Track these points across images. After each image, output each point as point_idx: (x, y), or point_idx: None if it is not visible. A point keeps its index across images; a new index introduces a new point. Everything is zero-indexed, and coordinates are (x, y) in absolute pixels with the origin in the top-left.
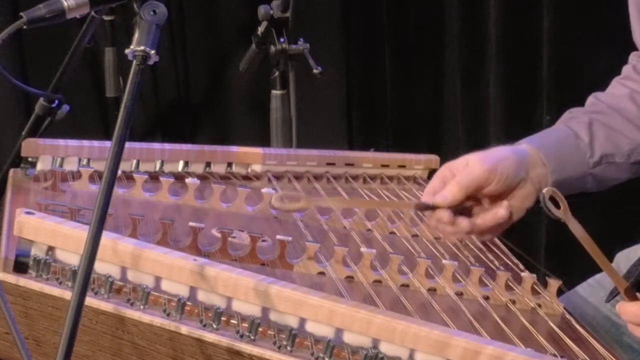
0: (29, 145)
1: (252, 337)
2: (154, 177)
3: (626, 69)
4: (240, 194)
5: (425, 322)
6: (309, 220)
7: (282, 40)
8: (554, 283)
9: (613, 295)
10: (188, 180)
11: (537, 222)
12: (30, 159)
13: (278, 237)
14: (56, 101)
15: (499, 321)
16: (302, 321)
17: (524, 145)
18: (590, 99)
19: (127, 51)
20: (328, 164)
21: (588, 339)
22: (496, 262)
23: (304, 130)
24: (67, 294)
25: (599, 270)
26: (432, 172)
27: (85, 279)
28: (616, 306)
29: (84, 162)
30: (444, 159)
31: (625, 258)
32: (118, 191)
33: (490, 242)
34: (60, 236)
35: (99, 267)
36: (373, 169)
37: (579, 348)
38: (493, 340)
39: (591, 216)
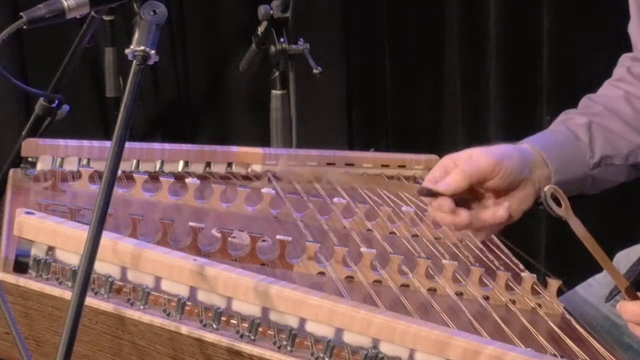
0: (29, 145)
1: (252, 337)
2: (154, 177)
3: (619, 72)
4: (240, 194)
5: (425, 322)
6: (309, 220)
7: (282, 40)
8: (554, 283)
9: (613, 295)
10: (188, 180)
11: (537, 222)
12: (30, 159)
13: (278, 237)
14: (56, 101)
15: (499, 321)
16: (302, 321)
17: (526, 145)
18: (584, 101)
19: (127, 51)
20: (328, 164)
21: (588, 339)
22: (496, 262)
23: (304, 130)
24: (67, 294)
25: (599, 270)
26: None
27: (85, 279)
28: (617, 305)
29: (84, 162)
30: None
31: (625, 258)
32: (118, 191)
33: (490, 242)
34: (60, 236)
35: (99, 267)
36: (373, 169)
37: (579, 348)
38: (493, 340)
39: (591, 216)
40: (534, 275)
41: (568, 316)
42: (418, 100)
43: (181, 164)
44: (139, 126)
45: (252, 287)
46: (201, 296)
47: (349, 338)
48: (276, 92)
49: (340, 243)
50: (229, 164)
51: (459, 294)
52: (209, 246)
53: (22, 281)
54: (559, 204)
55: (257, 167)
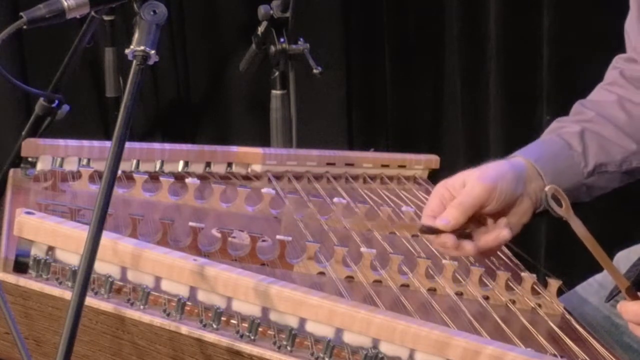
0: (29, 145)
1: (252, 337)
2: (154, 177)
3: (611, 75)
4: (240, 194)
5: (425, 322)
6: (309, 220)
7: (282, 40)
8: (554, 283)
9: (613, 295)
10: (188, 180)
11: (537, 222)
12: (30, 159)
13: (278, 237)
14: (56, 101)
15: (499, 321)
16: (302, 321)
17: (520, 159)
18: (577, 107)
19: (127, 51)
20: (328, 164)
21: (588, 339)
22: (496, 262)
23: (304, 130)
24: (67, 294)
25: (599, 270)
26: (432, 172)
27: (85, 279)
28: (617, 305)
29: (84, 162)
30: (444, 159)
31: (625, 258)
32: (118, 191)
33: None
34: (60, 236)
35: (99, 267)
36: (373, 169)
37: (579, 348)
38: (493, 340)
39: (591, 216)
40: (534, 275)
41: (568, 316)
42: (418, 100)
43: (181, 164)
44: (139, 126)
45: (252, 287)
46: (201, 296)
47: (349, 338)
48: (276, 92)
49: (340, 243)
50: (229, 164)
51: (459, 294)
52: (209, 246)
53: (22, 281)
54: (559, 204)
55: (257, 167)
